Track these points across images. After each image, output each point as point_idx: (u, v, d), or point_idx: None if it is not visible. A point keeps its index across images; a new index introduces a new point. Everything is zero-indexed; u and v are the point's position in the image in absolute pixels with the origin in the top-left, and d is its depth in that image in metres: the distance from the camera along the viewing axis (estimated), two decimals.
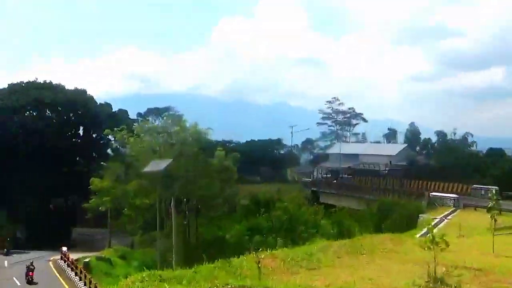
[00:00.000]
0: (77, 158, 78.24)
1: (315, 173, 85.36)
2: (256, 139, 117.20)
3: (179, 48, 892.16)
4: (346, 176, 77.21)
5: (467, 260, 17.27)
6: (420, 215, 39.63)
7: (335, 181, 74.94)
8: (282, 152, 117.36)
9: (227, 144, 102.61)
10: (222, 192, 50.09)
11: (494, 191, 26.33)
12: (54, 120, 76.58)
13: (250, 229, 46.06)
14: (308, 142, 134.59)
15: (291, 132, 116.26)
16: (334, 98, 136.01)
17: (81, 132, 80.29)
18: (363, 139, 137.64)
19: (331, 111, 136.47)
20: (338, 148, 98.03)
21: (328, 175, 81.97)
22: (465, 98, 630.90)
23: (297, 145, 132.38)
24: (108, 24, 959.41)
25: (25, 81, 79.08)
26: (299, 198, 61.14)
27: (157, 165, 37.75)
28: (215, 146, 56.35)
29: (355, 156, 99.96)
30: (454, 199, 43.90)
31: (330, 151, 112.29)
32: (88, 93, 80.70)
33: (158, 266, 32.99)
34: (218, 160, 50.22)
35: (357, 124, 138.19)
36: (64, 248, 47.05)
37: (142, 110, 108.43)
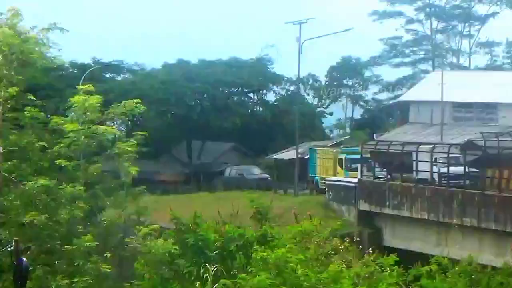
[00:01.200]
0: None
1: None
2: (199, 60, 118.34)
3: None
4: (463, 167, 76.29)
5: None
6: None
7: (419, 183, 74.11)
8: (272, 98, 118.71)
9: (116, 75, 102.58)
10: (92, 217, 48.77)
11: None
12: None
13: None
14: (347, 69, 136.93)
15: (299, 43, 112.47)
16: None
17: None
18: (509, 60, 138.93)
19: None
20: (435, 87, 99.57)
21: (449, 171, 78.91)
22: None
23: (315, 76, 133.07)
24: None
25: None
26: (324, 234, 60.36)
27: None
28: (75, 77, 55.58)
29: (488, 108, 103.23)
30: None
31: (412, 95, 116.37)
32: None
33: None
34: (80, 118, 48.45)
35: (488, 18, 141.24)
36: None
37: None
